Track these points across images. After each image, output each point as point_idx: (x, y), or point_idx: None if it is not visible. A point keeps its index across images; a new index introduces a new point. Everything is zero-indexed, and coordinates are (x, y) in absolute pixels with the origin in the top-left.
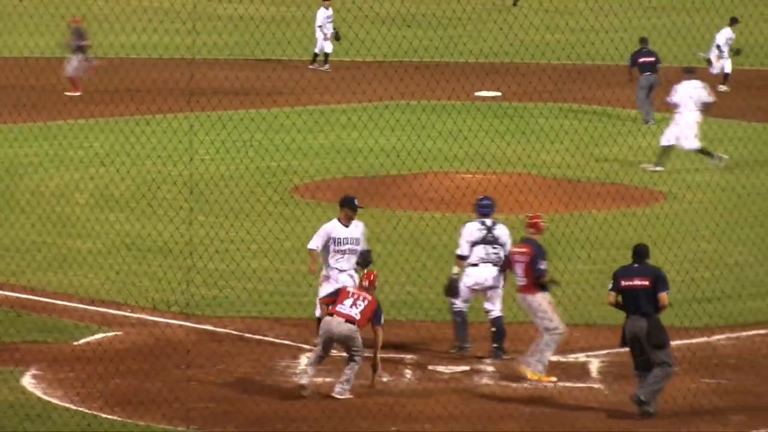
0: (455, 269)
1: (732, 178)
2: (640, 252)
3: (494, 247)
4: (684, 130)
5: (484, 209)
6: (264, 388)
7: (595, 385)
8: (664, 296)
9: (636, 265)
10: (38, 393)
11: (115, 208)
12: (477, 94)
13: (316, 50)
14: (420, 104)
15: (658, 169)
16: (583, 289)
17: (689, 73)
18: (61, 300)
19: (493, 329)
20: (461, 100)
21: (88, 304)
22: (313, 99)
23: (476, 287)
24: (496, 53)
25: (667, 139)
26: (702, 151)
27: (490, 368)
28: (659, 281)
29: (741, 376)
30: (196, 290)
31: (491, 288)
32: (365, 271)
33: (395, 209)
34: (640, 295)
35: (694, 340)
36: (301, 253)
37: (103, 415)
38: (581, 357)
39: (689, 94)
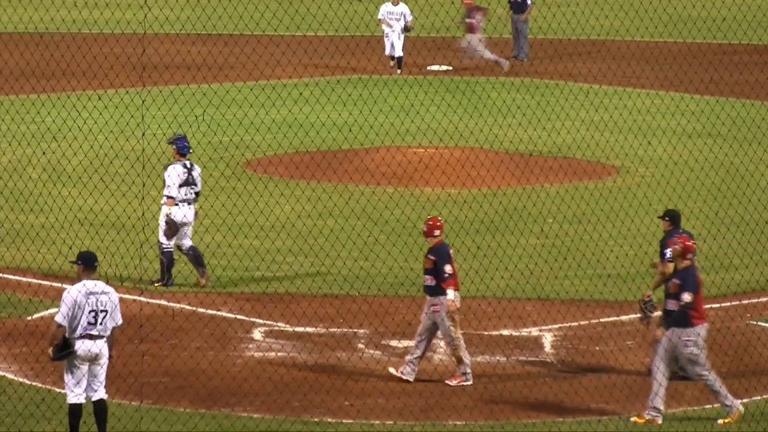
0: (168, 210)
1: (684, 151)
2: (679, 216)
3: (192, 188)
4: None
5: (186, 149)
6: (217, 362)
7: (548, 359)
8: None
9: (682, 231)
10: None
11: (67, 182)
12: (429, 68)
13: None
14: (372, 78)
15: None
16: (536, 263)
17: None
18: (15, 275)
19: (190, 253)
20: (413, 75)
21: (41, 279)
22: (265, 73)
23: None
24: (448, 27)
25: None
26: None
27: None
28: None
29: None
30: (149, 265)
31: (188, 225)
32: None
33: (347, 183)
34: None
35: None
36: (254, 228)
37: (57, 390)
38: (534, 331)
39: None
